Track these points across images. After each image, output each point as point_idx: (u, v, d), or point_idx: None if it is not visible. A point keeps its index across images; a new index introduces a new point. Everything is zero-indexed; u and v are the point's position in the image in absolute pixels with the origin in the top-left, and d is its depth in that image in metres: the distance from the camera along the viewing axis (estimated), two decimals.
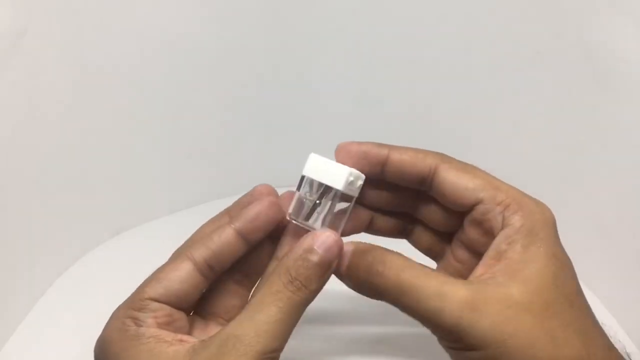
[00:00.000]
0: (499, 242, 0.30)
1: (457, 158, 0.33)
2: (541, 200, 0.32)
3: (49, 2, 0.45)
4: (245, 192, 0.35)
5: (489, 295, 0.28)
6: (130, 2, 0.48)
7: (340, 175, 0.30)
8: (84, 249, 0.54)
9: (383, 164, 0.32)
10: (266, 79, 0.55)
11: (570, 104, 0.49)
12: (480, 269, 0.30)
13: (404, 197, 0.34)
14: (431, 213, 0.34)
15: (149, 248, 0.40)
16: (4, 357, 0.44)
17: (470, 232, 0.32)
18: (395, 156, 0.32)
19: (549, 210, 0.31)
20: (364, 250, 0.30)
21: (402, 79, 0.54)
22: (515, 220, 0.30)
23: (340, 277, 0.30)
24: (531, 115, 0.52)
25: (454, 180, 0.31)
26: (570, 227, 0.38)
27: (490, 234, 0.31)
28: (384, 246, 0.30)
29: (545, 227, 0.30)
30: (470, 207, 0.31)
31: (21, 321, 0.47)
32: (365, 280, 0.29)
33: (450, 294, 0.28)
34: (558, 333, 0.28)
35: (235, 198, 0.60)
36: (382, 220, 0.35)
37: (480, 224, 0.31)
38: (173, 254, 0.33)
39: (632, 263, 0.46)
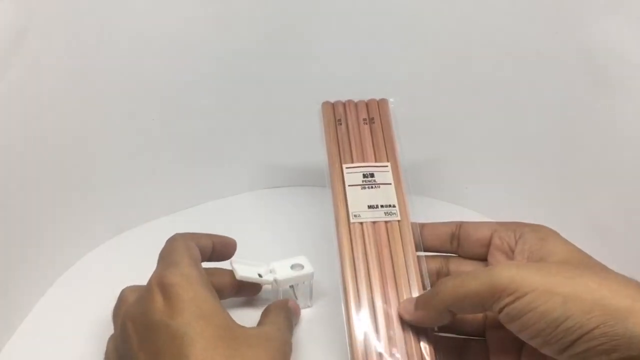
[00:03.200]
0: (520, 248, 0.37)
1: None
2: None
3: (50, 2, 0.45)
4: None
5: (530, 263, 0.36)
6: (131, 3, 0.48)
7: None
8: (84, 249, 0.54)
9: (420, 232, 0.42)
10: (266, 80, 0.55)
11: (570, 104, 0.49)
12: None
13: (436, 263, 0.42)
14: (460, 266, 0.41)
15: (149, 248, 0.40)
16: (5, 356, 0.44)
17: (495, 263, 0.39)
18: (429, 225, 0.42)
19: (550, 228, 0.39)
20: (420, 295, 0.38)
21: (401, 80, 0.54)
22: (526, 231, 0.38)
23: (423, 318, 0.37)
24: (531, 115, 0.52)
25: (474, 225, 0.41)
26: (569, 227, 0.39)
27: (511, 253, 0.38)
28: None
29: (552, 230, 0.38)
30: (490, 238, 0.39)
31: (21, 321, 0.47)
32: (432, 310, 0.36)
33: (497, 266, 0.33)
34: (597, 271, 0.33)
35: (235, 198, 0.61)
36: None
37: (499, 248, 0.39)
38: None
39: (632, 263, 0.46)
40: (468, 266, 0.41)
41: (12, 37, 0.43)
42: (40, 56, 0.45)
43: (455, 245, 0.42)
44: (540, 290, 0.30)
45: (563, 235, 0.38)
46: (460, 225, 0.41)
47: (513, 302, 0.31)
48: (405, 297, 0.38)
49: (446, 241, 0.42)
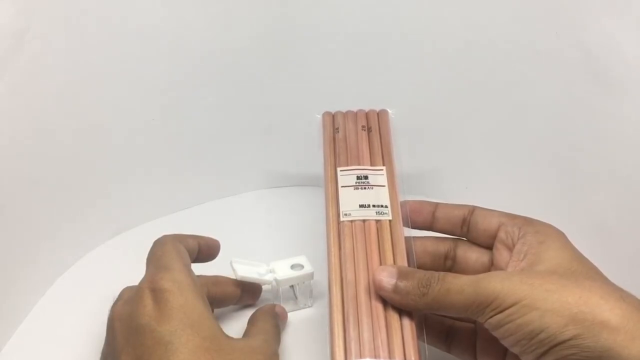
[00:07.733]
0: (519, 248, 0.37)
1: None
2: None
3: (50, 2, 0.45)
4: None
5: (516, 272, 0.35)
6: (132, 2, 0.48)
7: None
8: (84, 249, 0.54)
9: (433, 212, 0.42)
10: (267, 82, 0.55)
11: (570, 104, 0.49)
12: (508, 269, 0.37)
13: (445, 245, 0.42)
14: (466, 252, 0.41)
15: (148, 248, 0.40)
16: (5, 357, 0.44)
17: (498, 256, 0.39)
18: (443, 206, 0.42)
19: (557, 228, 0.38)
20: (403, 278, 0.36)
21: (401, 80, 0.54)
22: (529, 231, 0.37)
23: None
24: (530, 115, 0.52)
25: (484, 214, 0.40)
26: (569, 227, 0.38)
27: (513, 249, 0.38)
28: None
29: (556, 231, 0.37)
30: (497, 230, 0.39)
31: (21, 321, 0.47)
32: (418, 303, 0.35)
33: (483, 280, 0.33)
34: (582, 282, 0.32)
35: (235, 198, 0.61)
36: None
37: (504, 242, 0.38)
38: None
39: (632, 263, 0.46)
40: (474, 253, 0.41)
41: (12, 37, 0.43)
42: (40, 56, 0.45)
43: (465, 230, 0.41)
44: (521, 304, 0.31)
45: None
46: (473, 210, 0.41)
47: (495, 314, 0.32)
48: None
49: (457, 225, 0.41)
